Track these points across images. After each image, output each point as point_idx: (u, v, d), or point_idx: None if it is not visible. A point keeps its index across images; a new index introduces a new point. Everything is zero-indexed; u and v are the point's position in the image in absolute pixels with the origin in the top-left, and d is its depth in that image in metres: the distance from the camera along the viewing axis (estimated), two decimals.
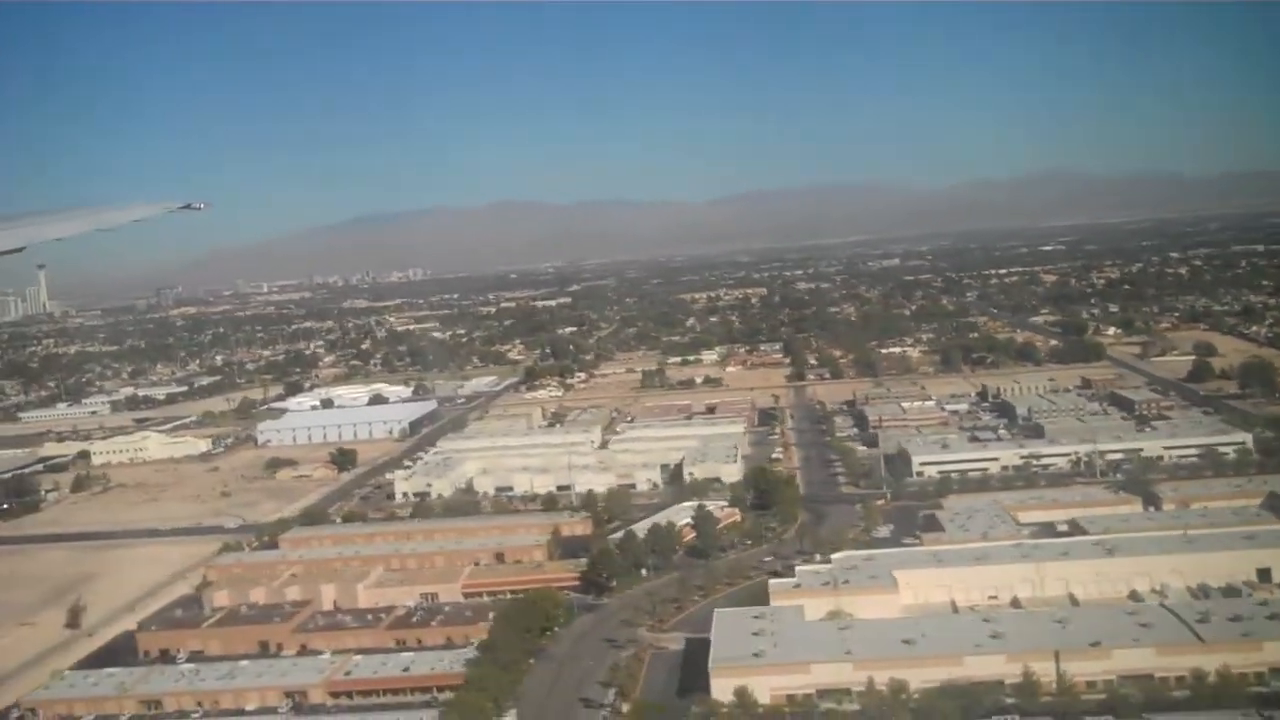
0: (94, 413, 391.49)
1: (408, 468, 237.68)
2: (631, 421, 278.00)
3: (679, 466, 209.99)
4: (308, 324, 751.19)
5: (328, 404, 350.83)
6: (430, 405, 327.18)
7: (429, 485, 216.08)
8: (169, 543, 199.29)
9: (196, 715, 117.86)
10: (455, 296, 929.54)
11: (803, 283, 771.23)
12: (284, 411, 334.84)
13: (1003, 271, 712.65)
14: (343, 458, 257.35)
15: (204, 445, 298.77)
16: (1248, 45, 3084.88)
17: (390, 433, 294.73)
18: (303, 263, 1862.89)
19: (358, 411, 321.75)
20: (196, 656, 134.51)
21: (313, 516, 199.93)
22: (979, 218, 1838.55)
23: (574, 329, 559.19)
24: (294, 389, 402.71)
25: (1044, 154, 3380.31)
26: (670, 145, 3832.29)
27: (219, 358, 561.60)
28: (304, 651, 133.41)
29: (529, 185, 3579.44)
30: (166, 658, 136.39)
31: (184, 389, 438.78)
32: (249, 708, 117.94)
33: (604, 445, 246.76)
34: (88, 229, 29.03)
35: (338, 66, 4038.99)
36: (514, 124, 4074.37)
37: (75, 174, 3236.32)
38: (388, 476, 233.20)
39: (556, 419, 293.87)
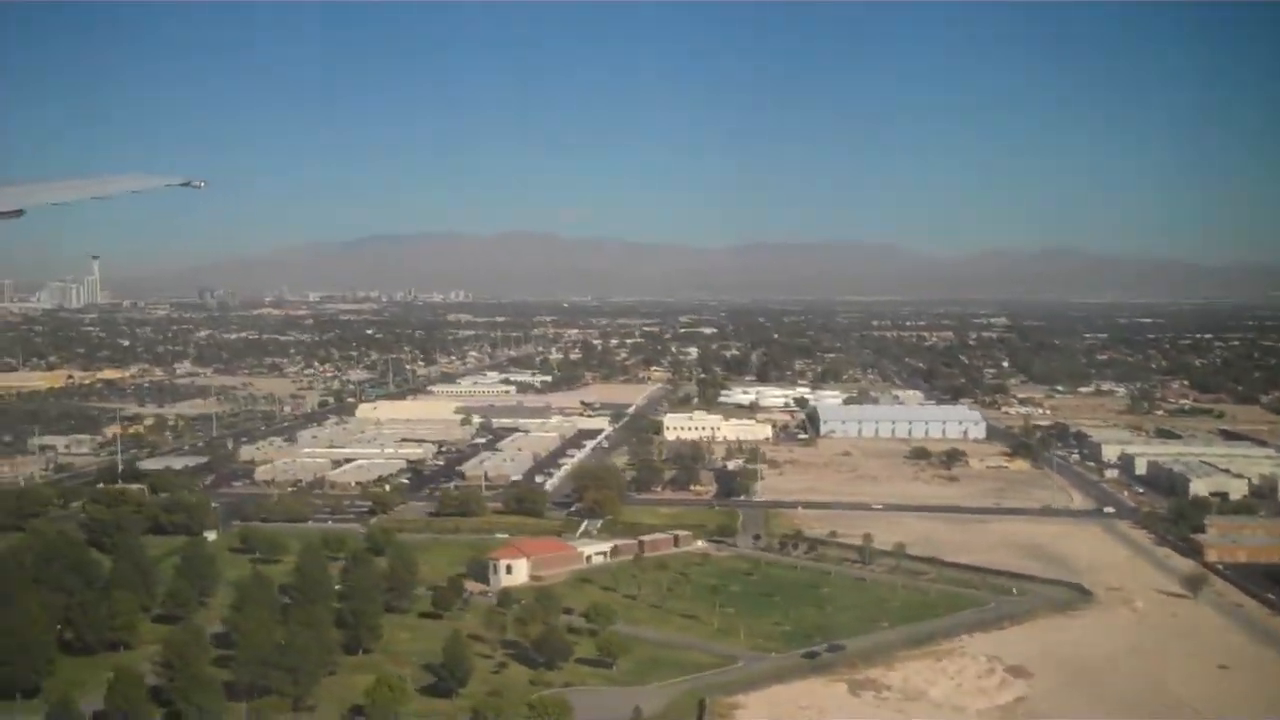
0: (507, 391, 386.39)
1: None
2: None
3: None
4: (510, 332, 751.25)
5: (801, 402, 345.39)
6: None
7: None
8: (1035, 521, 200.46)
9: None
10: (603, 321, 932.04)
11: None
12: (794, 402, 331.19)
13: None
14: (1023, 449, 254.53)
15: (767, 430, 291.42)
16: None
17: (965, 434, 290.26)
18: (315, 277, 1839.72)
19: (915, 410, 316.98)
20: None
21: None
22: (995, 288, 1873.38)
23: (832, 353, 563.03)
24: (709, 387, 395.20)
25: (1055, 229, 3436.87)
26: (678, 189, 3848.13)
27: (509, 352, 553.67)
28: None
29: (537, 217, 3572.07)
30: None
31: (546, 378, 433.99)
32: None
33: None
34: (85, 196, 29.37)
35: (352, 81, 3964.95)
36: (527, 155, 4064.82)
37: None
38: None
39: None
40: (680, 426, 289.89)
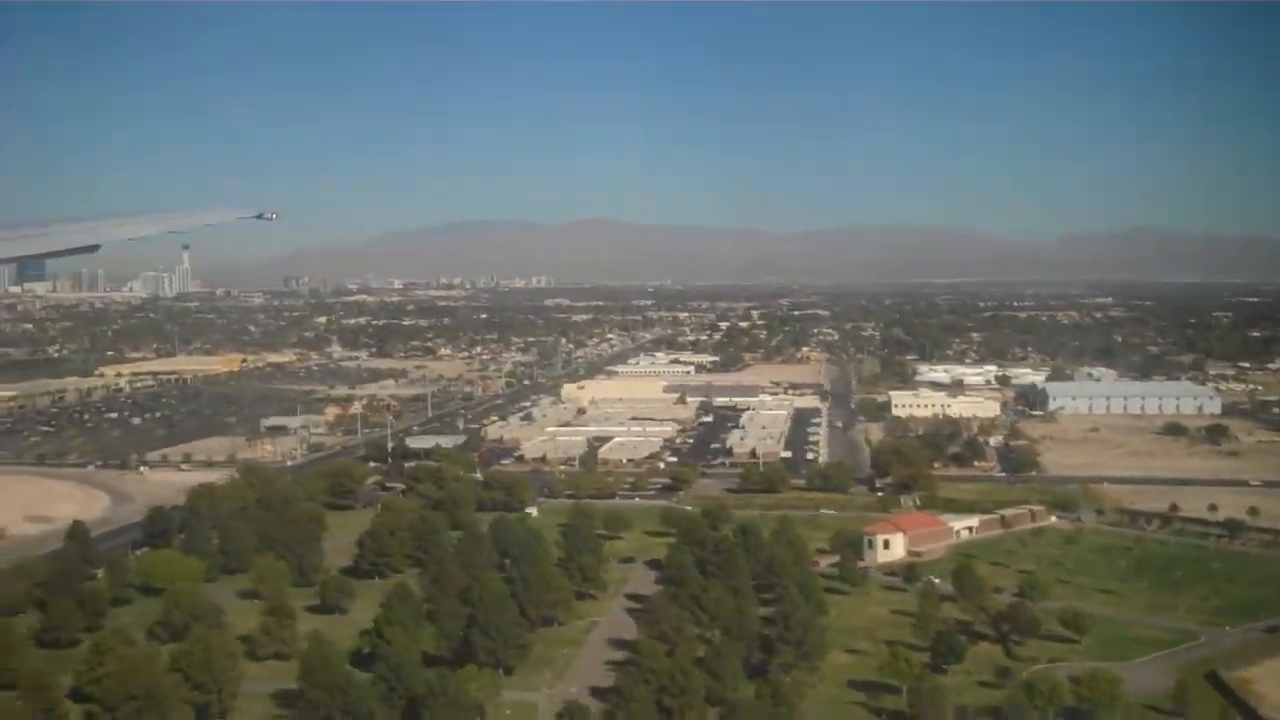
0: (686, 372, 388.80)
1: None
2: None
3: None
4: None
5: (1003, 380, 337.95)
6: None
7: None
8: None
9: None
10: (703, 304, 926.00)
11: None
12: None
13: None
14: None
15: (996, 408, 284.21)
16: None
17: (1199, 409, 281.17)
18: (393, 265, 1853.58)
19: (1144, 386, 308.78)
20: None
21: None
22: (1076, 270, 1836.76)
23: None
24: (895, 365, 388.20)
25: (1135, 211, 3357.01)
26: (749, 174, 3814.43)
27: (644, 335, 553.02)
28: None
29: (607, 204, 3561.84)
30: None
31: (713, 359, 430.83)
32: None
33: None
34: (163, 230, 29.55)
35: (415, 72, 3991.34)
36: (593, 143, 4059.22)
37: (148, 178, 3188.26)
38: None
39: None
40: (908, 404, 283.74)
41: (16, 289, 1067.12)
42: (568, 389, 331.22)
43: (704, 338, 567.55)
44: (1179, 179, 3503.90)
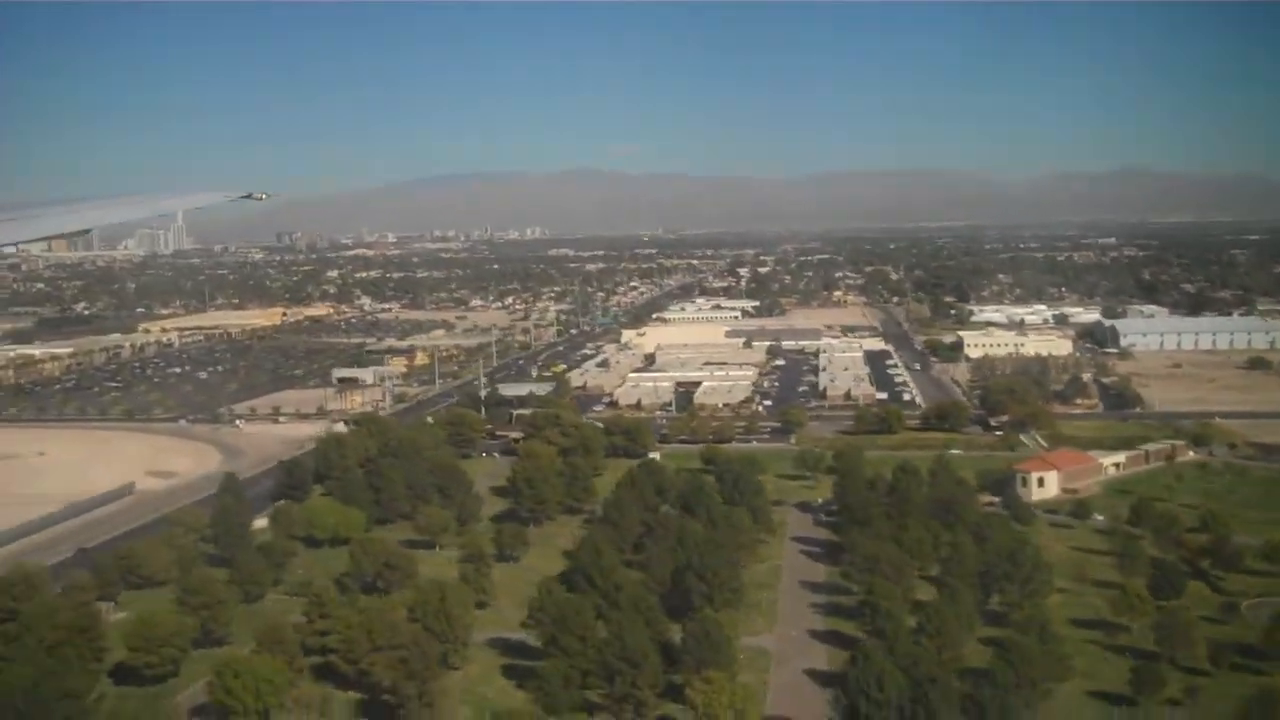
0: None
1: None
2: None
3: None
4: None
5: (1061, 319, 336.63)
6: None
7: None
8: None
9: None
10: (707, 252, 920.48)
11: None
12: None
13: None
14: None
15: (1068, 345, 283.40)
16: None
17: (1271, 344, 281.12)
18: (382, 218, 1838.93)
19: (1213, 322, 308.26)
20: None
21: None
22: (1071, 210, 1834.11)
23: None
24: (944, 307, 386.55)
25: (1118, 150, 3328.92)
26: (738, 121, 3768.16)
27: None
28: None
29: (594, 153, 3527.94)
30: None
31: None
32: None
33: None
34: (152, 214, 30.11)
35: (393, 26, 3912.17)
36: (582, 94, 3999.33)
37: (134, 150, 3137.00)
38: None
39: None
40: (980, 344, 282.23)
41: (11, 248, 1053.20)
42: (628, 335, 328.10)
43: (730, 284, 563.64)
44: (1165, 118, 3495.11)
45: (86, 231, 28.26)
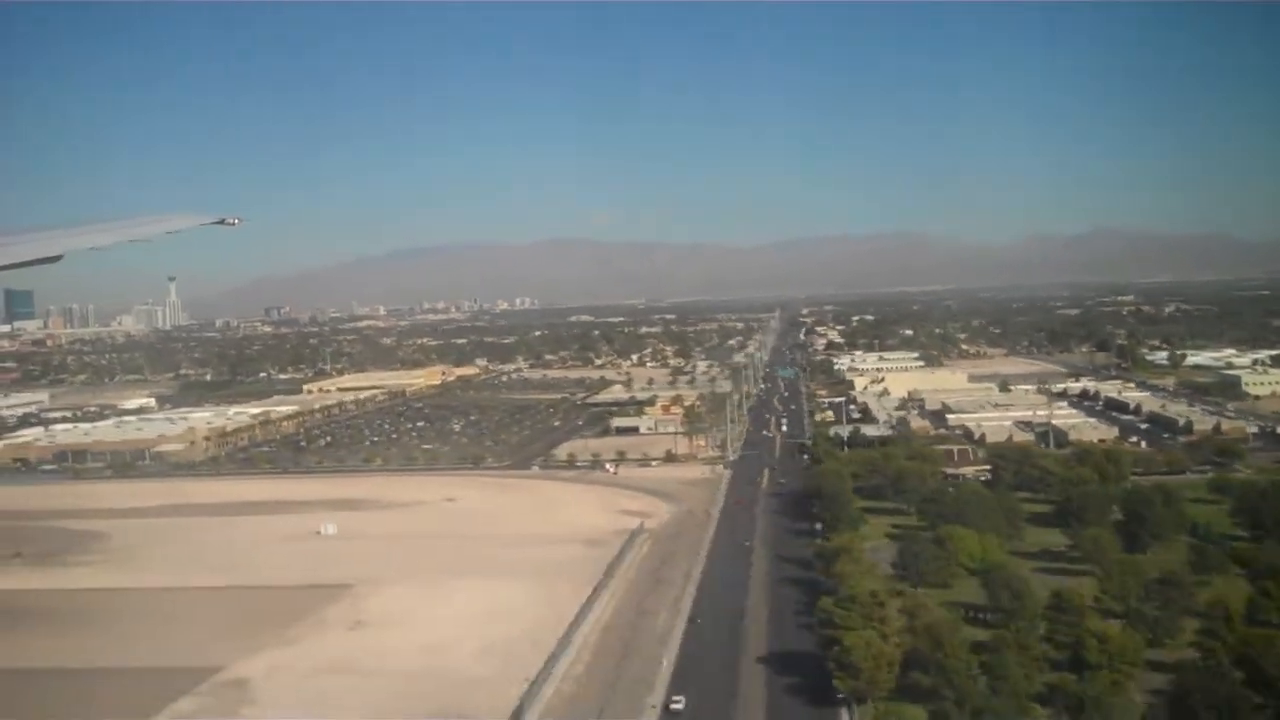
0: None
1: None
2: None
3: None
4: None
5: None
6: None
7: None
8: None
9: None
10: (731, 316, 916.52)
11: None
12: None
13: None
14: None
15: None
16: None
17: None
18: (366, 290, 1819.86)
19: None
20: None
21: None
22: (1045, 273, 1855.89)
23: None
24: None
25: (1096, 212, 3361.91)
26: (713, 190, 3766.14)
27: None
28: None
29: (574, 224, 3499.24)
30: None
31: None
32: None
33: None
34: (123, 239, 30.00)
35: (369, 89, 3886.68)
36: (557, 164, 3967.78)
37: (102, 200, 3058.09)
38: None
39: None
40: (1262, 383, 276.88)
41: (6, 328, 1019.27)
42: (862, 383, 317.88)
43: (838, 338, 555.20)
44: (1137, 179, 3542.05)
45: (59, 258, 25.83)
